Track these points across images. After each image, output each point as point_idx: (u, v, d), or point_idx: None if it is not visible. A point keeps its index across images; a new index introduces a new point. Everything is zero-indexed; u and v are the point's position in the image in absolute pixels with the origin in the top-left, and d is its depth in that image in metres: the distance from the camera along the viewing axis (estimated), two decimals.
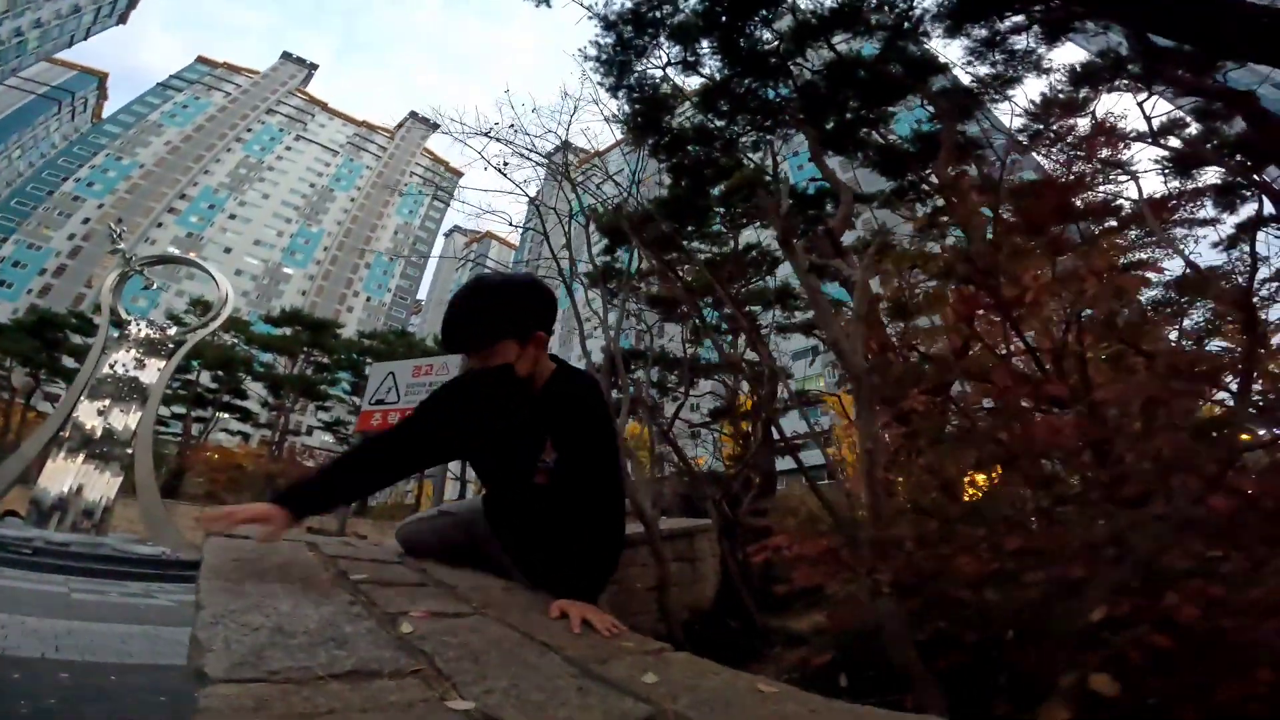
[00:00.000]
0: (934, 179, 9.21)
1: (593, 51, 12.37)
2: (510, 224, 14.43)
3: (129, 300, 17.77)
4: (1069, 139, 8.72)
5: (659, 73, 12.28)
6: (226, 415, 38.77)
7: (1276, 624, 1.89)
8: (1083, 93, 8.48)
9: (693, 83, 12.27)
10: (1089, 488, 3.55)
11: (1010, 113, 8.52)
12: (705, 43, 11.78)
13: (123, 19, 72.23)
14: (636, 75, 12.43)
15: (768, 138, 12.70)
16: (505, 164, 11.72)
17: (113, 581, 10.21)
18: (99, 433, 14.78)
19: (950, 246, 10.85)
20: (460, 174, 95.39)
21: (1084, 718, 2.01)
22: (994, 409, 4.98)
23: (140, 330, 16.53)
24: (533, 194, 16.36)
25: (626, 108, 13.20)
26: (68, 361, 35.85)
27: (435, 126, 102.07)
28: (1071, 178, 7.61)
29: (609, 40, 11.96)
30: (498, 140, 11.99)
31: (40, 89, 72.93)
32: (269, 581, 1.32)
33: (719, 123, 12.70)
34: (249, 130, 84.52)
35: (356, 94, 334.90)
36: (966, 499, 4.93)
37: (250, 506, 1.47)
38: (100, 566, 11.04)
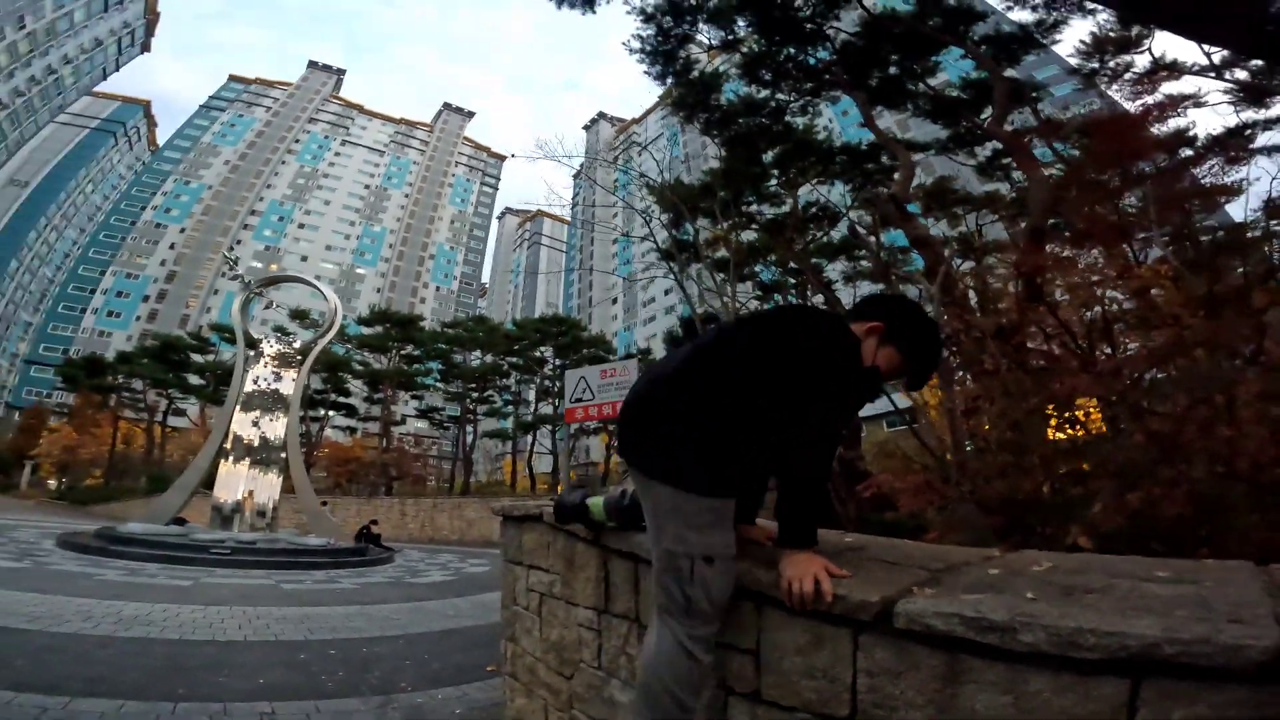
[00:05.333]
0: (989, 127, 9.49)
1: (636, 45, 12.92)
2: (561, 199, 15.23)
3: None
4: (1127, 76, 8.73)
5: (702, 56, 12.75)
6: (333, 413, 42.40)
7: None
8: (1135, 30, 8.42)
9: (735, 61, 12.70)
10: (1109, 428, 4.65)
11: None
12: (741, 21, 12.11)
13: (145, 47, 73.88)
14: (681, 61, 12.91)
15: (815, 101, 13.03)
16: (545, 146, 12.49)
17: (302, 571, 12.07)
18: (256, 441, 17.20)
19: (1017, 187, 11.08)
20: (503, 158, 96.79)
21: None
22: (1045, 367, 5.84)
23: (272, 346, 18.79)
24: (576, 168, 17.10)
25: (675, 92, 13.75)
26: (193, 379, 39.99)
27: (471, 115, 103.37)
28: (1137, 112, 7.75)
29: (650, 32, 12.48)
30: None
31: (92, 123, 76.83)
32: None
33: (764, 92, 13.10)
34: (297, 141, 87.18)
35: (378, 95, 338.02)
36: (1029, 434, 5.95)
37: (820, 565, 1.47)
38: (287, 559, 13.06)
